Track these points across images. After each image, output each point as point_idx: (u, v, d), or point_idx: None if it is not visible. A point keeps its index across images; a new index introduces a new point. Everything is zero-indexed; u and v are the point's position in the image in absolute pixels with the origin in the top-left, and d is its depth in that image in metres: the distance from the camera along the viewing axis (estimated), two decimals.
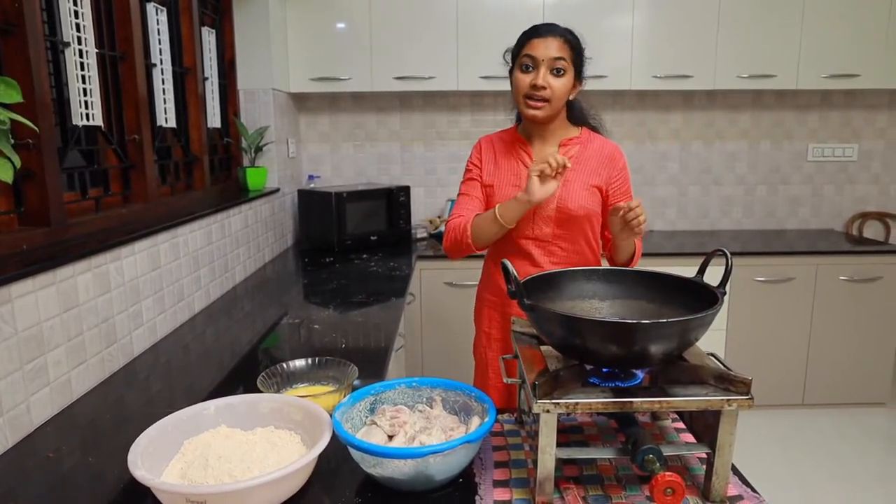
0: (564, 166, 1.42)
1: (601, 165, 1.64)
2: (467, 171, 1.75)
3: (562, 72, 1.53)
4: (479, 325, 1.84)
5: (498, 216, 1.55)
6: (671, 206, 3.68)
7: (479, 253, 1.71)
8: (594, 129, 1.72)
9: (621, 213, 1.41)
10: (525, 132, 1.70)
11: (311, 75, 3.14)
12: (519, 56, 1.57)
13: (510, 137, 1.72)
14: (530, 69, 1.54)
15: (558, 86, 1.53)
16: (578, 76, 1.59)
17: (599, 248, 1.73)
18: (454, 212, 1.71)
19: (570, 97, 1.61)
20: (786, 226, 3.71)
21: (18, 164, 1.00)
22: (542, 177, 1.45)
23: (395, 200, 3.19)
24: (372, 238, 3.12)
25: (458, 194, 1.75)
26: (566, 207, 1.60)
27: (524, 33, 1.58)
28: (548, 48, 1.51)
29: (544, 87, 1.52)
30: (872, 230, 3.69)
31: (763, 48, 3.12)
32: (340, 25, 3.10)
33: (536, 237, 1.65)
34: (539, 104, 1.55)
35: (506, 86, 1.69)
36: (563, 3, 3.05)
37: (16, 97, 0.99)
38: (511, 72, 1.62)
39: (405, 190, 3.24)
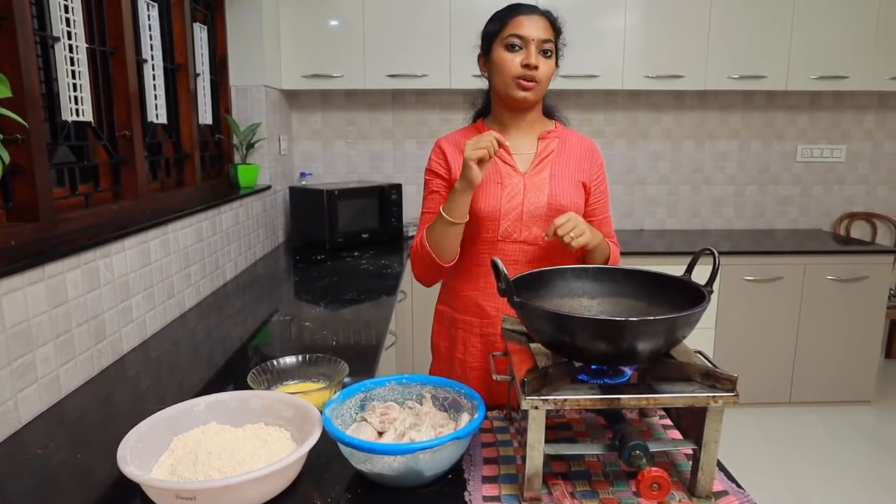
0: (501, 145, 1.30)
1: (583, 160, 1.52)
2: (427, 184, 1.55)
3: (549, 53, 1.41)
4: (453, 352, 1.59)
5: (444, 215, 1.39)
6: (662, 206, 3.70)
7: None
8: (564, 124, 1.61)
9: (554, 234, 1.30)
10: (497, 123, 1.53)
11: (304, 72, 3.13)
12: (501, 35, 1.41)
13: (479, 131, 1.52)
14: (518, 49, 1.40)
15: (546, 68, 1.41)
16: (558, 59, 1.48)
17: None
18: (416, 235, 1.52)
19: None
20: (775, 225, 3.74)
21: (7, 159, 1.00)
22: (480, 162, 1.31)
23: (387, 198, 3.19)
24: (363, 236, 3.12)
25: (421, 213, 1.56)
26: (558, 204, 1.45)
27: (504, 11, 1.44)
28: (537, 27, 1.39)
29: (537, 67, 1.39)
30: (860, 230, 3.73)
31: (754, 49, 3.15)
32: (333, 22, 3.10)
33: (525, 240, 1.46)
34: (531, 84, 1.40)
35: None
36: (554, 2, 3.05)
37: (4, 92, 0.98)
38: (487, 53, 1.47)
39: (397, 188, 3.25)
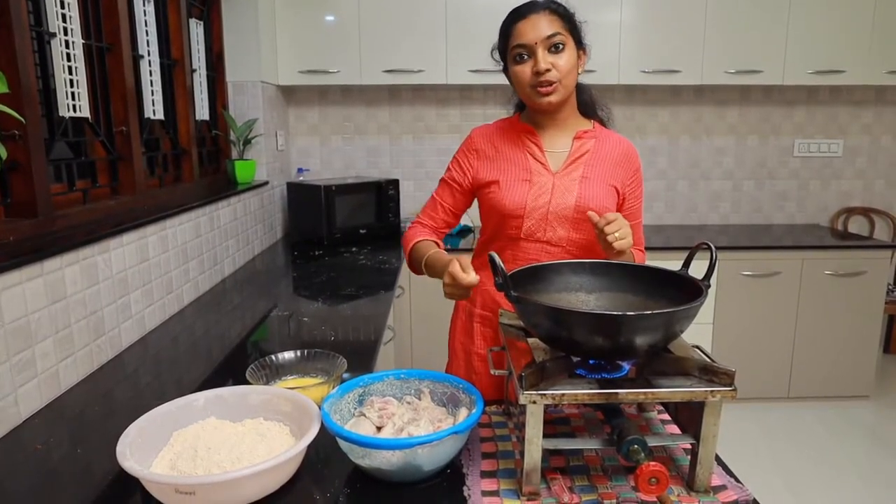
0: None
1: (619, 164, 1.46)
2: (449, 168, 1.55)
3: (561, 46, 1.34)
4: (469, 347, 1.58)
5: (424, 268, 1.43)
6: (659, 201, 3.70)
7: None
8: (603, 124, 1.55)
9: (597, 226, 1.26)
10: (532, 121, 1.49)
11: (300, 68, 3.12)
12: (508, 49, 1.39)
13: (513, 127, 1.50)
14: (526, 58, 1.36)
15: (563, 63, 1.34)
16: (580, 45, 1.40)
17: None
18: (420, 213, 1.58)
19: (579, 71, 1.41)
20: (772, 220, 3.74)
21: (4, 155, 1.00)
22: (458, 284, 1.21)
23: (385, 194, 3.19)
24: (361, 231, 3.12)
25: (435, 191, 1.58)
26: (586, 207, 1.39)
27: (505, 22, 1.40)
28: (537, 28, 1.33)
29: (549, 70, 1.33)
30: (857, 225, 3.74)
31: (750, 44, 3.15)
32: (329, 18, 3.09)
33: (549, 240, 1.42)
34: (550, 88, 1.35)
35: (495, 79, 1.64)
36: None
37: (2, 88, 0.98)
38: (505, 69, 1.45)
39: (394, 183, 3.24)
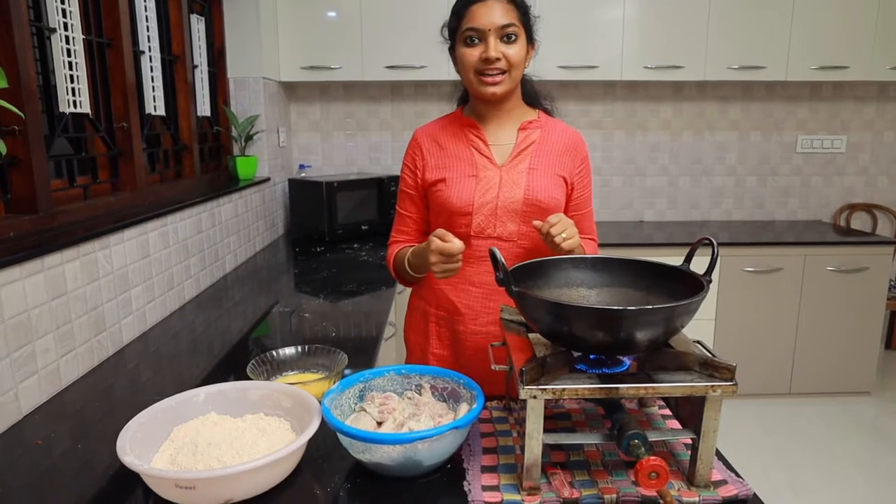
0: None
1: (566, 153, 1.43)
2: (401, 179, 1.51)
3: (514, 37, 1.31)
4: (425, 347, 1.53)
5: (409, 270, 1.42)
6: (661, 197, 3.69)
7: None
8: (549, 113, 1.52)
9: (541, 231, 1.26)
10: (475, 113, 1.45)
11: (302, 64, 3.12)
12: (459, 30, 1.34)
13: (455, 122, 1.46)
14: (476, 42, 1.32)
15: (513, 53, 1.31)
16: (530, 39, 1.37)
17: None
18: (392, 231, 1.55)
19: (527, 65, 1.39)
20: (775, 217, 3.73)
21: (4, 150, 0.99)
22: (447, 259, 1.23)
23: (386, 190, 3.19)
24: (363, 227, 3.12)
25: (397, 203, 1.55)
26: (535, 199, 1.37)
27: (461, 2, 1.35)
28: (492, 14, 1.29)
29: (498, 59, 1.30)
30: (860, 221, 3.73)
31: (753, 40, 3.13)
32: (331, 14, 3.08)
33: (500, 236, 1.39)
34: (497, 78, 1.33)
35: None
36: None
37: (1, 83, 0.98)
38: (452, 48, 1.40)
39: (396, 180, 3.23)
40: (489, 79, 1.33)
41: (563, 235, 1.23)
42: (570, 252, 1.25)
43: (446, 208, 1.40)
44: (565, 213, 1.44)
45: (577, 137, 1.46)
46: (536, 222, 1.27)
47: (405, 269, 1.44)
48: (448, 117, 1.50)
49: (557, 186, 1.41)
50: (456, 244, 1.21)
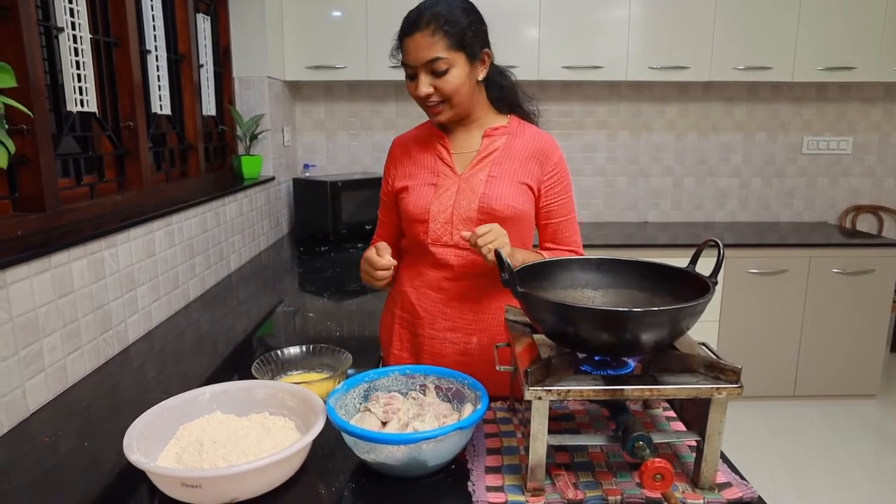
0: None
1: (531, 160, 1.38)
2: (382, 184, 1.53)
3: (443, 71, 1.27)
4: (388, 347, 1.53)
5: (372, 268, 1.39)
6: (666, 198, 3.69)
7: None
8: (525, 117, 1.46)
9: (469, 242, 1.23)
10: (442, 124, 1.42)
11: (307, 63, 3.12)
12: (402, 61, 1.32)
13: (428, 130, 1.46)
14: (413, 76, 1.30)
15: (446, 86, 1.28)
16: (472, 57, 1.30)
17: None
18: (374, 238, 1.58)
19: (479, 78, 1.34)
20: (780, 218, 3.72)
21: (13, 149, 1.00)
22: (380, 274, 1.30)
23: None
24: (367, 227, 3.12)
25: (378, 209, 1.57)
26: (489, 208, 1.34)
27: (399, 30, 1.31)
28: (418, 50, 1.26)
29: (430, 94, 1.29)
30: (866, 223, 3.71)
31: (759, 40, 3.12)
32: (336, 13, 3.09)
33: (456, 244, 1.36)
34: (437, 108, 1.32)
35: None
36: None
37: (10, 82, 0.99)
38: None
39: None
40: (430, 109, 1.34)
41: (490, 246, 1.20)
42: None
43: (407, 215, 1.41)
44: (537, 221, 1.44)
45: (546, 143, 1.41)
46: (465, 233, 1.24)
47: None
48: (425, 125, 1.50)
49: (518, 194, 1.37)
50: (383, 260, 1.28)
